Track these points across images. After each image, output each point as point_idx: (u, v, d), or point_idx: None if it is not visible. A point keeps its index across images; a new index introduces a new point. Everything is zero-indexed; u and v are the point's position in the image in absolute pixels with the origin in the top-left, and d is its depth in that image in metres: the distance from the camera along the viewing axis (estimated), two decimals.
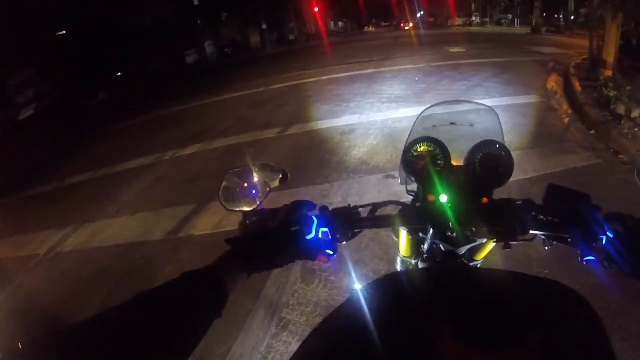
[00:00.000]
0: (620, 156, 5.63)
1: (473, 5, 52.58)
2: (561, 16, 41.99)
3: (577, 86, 9.04)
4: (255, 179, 1.14)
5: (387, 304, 0.80)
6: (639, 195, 4.56)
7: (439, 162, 1.16)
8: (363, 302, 0.78)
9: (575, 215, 0.98)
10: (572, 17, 38.38)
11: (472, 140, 1.19)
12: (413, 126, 1.36)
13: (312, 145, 6.76)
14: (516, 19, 47.11)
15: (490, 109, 1.39)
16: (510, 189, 4.35)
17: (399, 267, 1.44)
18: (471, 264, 1.22)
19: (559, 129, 6.79)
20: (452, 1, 49.43)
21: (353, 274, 3.38)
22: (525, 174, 4.83)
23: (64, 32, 38.36)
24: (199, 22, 48.37)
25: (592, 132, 6.58)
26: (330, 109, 8.84)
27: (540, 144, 5.94)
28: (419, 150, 1.18)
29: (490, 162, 1.14)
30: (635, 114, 6.59)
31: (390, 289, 0.89)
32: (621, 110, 6.78)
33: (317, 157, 6.16)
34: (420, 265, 1.28)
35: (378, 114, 8.02)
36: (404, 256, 1.37)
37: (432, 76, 11.32)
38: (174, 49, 43.28)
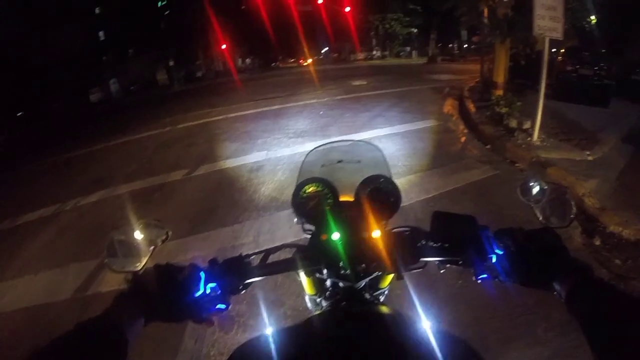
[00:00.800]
0: (516, 165, 6.08)
1: (374, 40, 55.12)
2: (455, 45, 45.11)
3: (472, 107, 9.68)
4: (139, 238, 1.07)
5: (284, 353, 0.78)
6: None
7: (329, 200, 1.19)
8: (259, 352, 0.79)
9: (463, 237, 1.01)
10: (465, 45, 41.38)
11: (359, 175, 1.23)
12: (301, 167, 1.36)
13: (221, 185, 6.53)
14: (414, 51, 50.08)
15: (374, 146, 1.44)
16: (415, 209, 4.40)
17: (308, 305, 1.37)
18: (376, 293, 1.19)
19: (457, 148, 7.12)
20: (355, 36, 51.42)
21: (267, 315, 3.26)
22: (428, 194, 4.96)
23: None
24: (104, 58, 46.67)
25: (488, 146, 7.02)
26: (239, 146, 8.66)
27: (441, 164, 6.16)
28: (308, 191, 1.21)
29: (378, 195, 1.18)
30: (526, 125, 7.16)
31: (287, 337, 0.86)
32: (513, 124, 7.31)
33: (226, 197, 5.94)
34: (324, 303, 1.24)
35: (285, 149, 7.96)
36: (310, 294, 1.31)
37: (335, 109, 11.53)
38: (78, 86, 41.09)
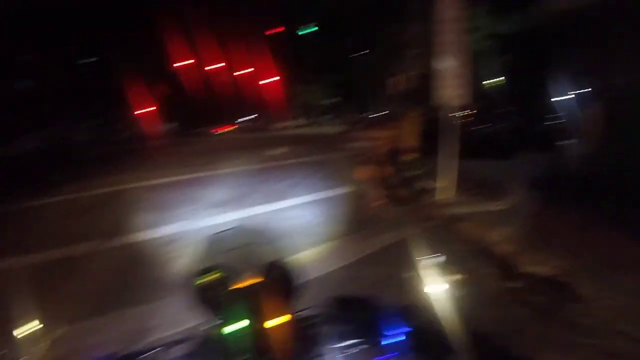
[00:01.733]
0: (432, 223, 6.31)
1: (295, 109, 56.60)
2: (372, 113, 47.36)
3: (387, 172, 10.06)
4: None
5: None
6: (456, 255, 4.96)
7: (229, 288, 1.16)
8: None
9: (367, 319, 1.04)
10: (382, 113, 43.57)
11: (262, 260, 1.22)
12: (200, 253, 1.35)
13: (132, 260, 6.10)
14: (333, 120, 51.90)
15: (270, 231, 1.47)
16: (333, 278, 4.34)
17: None
18: None
19: (373, 213, 7.24)
20: (276, 105, 52.58)
21: None
22: (345, 261, 4.93)
23: None
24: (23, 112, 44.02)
25: (403, 209, 7.23)
26: (154, 217, 8.27)
27: (357, 229, 6.19)
28: (208, 279, 1.17)
29: (281, 279, 1.17)
30: (438, 184, 7.50)
31: None
32: (426, 185, 7.70)
33: (138, 273, 5.54)
34: None
35: (201, 220, 7.71)
36: None
37: (255, 178, 11.49)
38: None
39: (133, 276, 5.41)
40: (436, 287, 1.26)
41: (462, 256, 5.03)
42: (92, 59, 41.58)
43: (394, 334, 0.99)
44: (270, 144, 22.95)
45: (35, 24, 38.83)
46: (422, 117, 11.12)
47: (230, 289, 1.15)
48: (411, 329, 0.99)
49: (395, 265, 4.78)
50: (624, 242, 5.16)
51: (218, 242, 1.40)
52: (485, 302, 3.78)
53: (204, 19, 39.73)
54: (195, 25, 39.79)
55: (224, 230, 1.42)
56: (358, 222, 6.60)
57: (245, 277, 1.19)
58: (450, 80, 6.94)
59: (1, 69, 39.82)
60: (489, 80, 15.50)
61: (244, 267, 1.23)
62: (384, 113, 42.34)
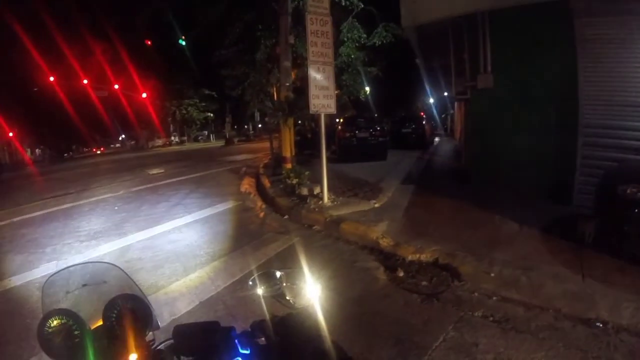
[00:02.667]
0: (314, 227, 6.58)
1: (172, 126, 54.99)
2: (249, 126, 47.63)
3: (267, 183, 10.26)
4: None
5: None
6: (339, 253, 5.26)
7: (76, 332, 1.10)
8: None
9: (208, 345, 1.06)
10: (259, 125, 43.94)
11: (107, 298, 1.20)
12: (42, 299, 1.26)
13: (7, 309, 5.49)
14: (211, 135, 51.33)
15: (112, 265, 1.36)
16: (223, 297, 4.30)
17: None
18: None
19: (257, 224, 7.33)
20: (153, 123, 50.62)
21: None
22: (233, 277, 4.87)
23: None
24: None
25: (286, 217, 7.42)
26: (25, 258, 7.45)
27: (243, 244, 6.19)
28: (52, 325, 1.10)
29: (128, 315, 1.14)
30: (317, 190, 7.88)
31: None
32: (305, 192, 7.99)
33: (15, 324, 4.98)
34: None
35: (77, 255, 7.10)
36: None
37: (132, 202, 10.92)
38: None
39: (11, 329, 4.86)
40: (304, 295, 1.28)
41: (343, 255, 5.31)
42: None
43: (236, 355, 1.03)
44: (148, 163, 22.07)
45: None
46: (297, 127, 11.49)
47: (76, 333, 1.10)
48: (260, 343, 1.05)
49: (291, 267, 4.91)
50: (493, 221, 5.85)
51: (59, 284, 1.31)
52: (368, 295, 4.06)
53: (64, 34, 37.08)
54: (54, 41, 36.98)
55: (63, 269, 1.35)
56: (244, 235, 6.62)
57: (92, 319, 1.17)
58: (321, 90, 7.28)
59: None
60: (358, 89, 16.48)
61: (88, 307, 1.21)
62: (261, 125, 42.83)
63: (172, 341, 1.11)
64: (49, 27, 35.72)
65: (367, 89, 18.90)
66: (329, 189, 7.56)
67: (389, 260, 4.91)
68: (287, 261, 5.24)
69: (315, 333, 1.11)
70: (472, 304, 3.73)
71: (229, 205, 9.01)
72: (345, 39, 12.98)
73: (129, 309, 1.15)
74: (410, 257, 4.81)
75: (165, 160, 23.88)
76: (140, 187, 13.40)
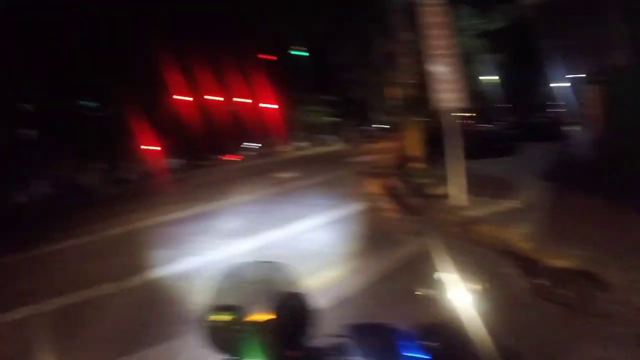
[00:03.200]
0: (448, 229, 6.30)
1: (297, 132, 56.89)
2: (374, 126, 47.57)
3: (396, 183, 10.10)
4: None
5: None
6: (476, 258, 4.95)
7: (242, 326, 1.14)
8: None
9: (388, 348, 1.03)
10: (384, 125, 43.73)
11: (273, 295, 1.22)
12: (211, 294, 1.32)
13: (153, 297, 6.12)
14: (336, 138, 52.12)
15: (284, 264, 1.40)
16: (356, 299, 4.31)
17: None
18: None
19: (389, 226, 7.24)
20: (281, 130, 52.99)
21: None
22: (368, 279, 4.89)
23: None
24: (29, 157, 44.83)
25: (418, 218, 7.20)
26: (170, 253, 8.28)
27: (376, 246, 6.16)
28: (220, 318, 1.17)
29: (294, 313, 1.17)
30: (448, 190, 7.53)
31: None
32: (436, 192, 7.76)
33: (158, 310, 5.54)
34: None
35: (218, 252, 7.69)
36: None
37: (266, 204, 11.53)
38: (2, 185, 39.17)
39: (152, 315, 5.43)
40: (459, 300, 1.24)
41: (483, 260, 5.02)
42: (92, 102, 42.68)
43: (416, 357, 0.99)
44: (277, 168, 22.99)
45: (32, 69, 40.24)
46: (423, 124, 11.16)
47: (242, 327, 1.14)
48: (436, 349, 1.00)
49: (416, 280, 4.79)
50: None
51: (231, 276, 1.38)
52: (513, 304, 3.76)
53: (200, 52, 40.53)
54: (191, 59, 40.54)
55: (238, 265, 1.42)
56: (376, 237, 6.58)
57: (257, 313, 1.18)
58: (446, 84, 6.97)
59: (4, 117, 41.21)
60: (484, 79, 15.59)
61: (256, 303, 1.22)
62: (385, 125, 42.65)
63: (344, 339, 1.12)
64: (184, 49, 39.36)
65: (491, 78, 17.89)
66: (461, 189, 7.21)
67: (530, 265, 4.53)
68: (420, 267, 4.95)
69: (480, 342, 1.10)
70: (621, 319, 3.30)
71: (359, 206, 9.02)
72: (463, 28, 12.37)
73: (297, 306, 1.19)
74: (551, 263, 4.39)
75: (294, 164, 24.82)
76: (274, 190, 14.11)
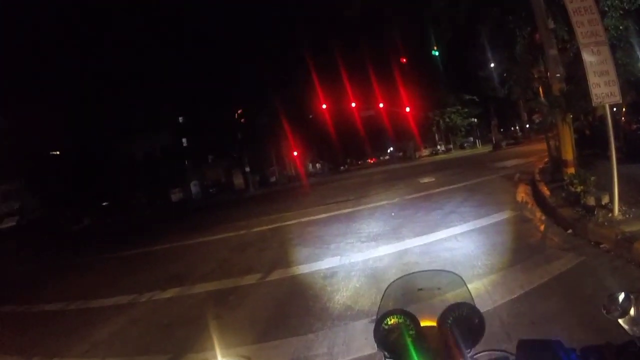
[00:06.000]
0: (602, 246, 5.60)
1: (436, 135, 56.00)
2: (517, 127, 44.94)
3: (545, 191, 9.32)
4: None
5: None
6: (633, 279, 4.46)
7: (410, 332, 1.16)
8: None
9: None
10: (527, 126, 41.04)
11: (441, 303, 1.26)
12: (382, 298, 1.40)
13: (293, 291, 6.42)
14: (477, 140, 50.20)
15: (454, 274, 1.46)
16: (501, 313, 4.08)
17: None
18: None
19: (537, 238, 6.77)
20: (417, 133, 52.81)
21: None
22: (512, 294, 4.59)
23: (58, 152, 40.50)
24: (186, 162, 51.40)
25: (570, 231, 6.55)
26: (311, 251, 8.65)
27: (522, 258, 5.79)
28: (389, 323, 1.20)
29: (461, 324, 1.17)
30: (605, 200, 6.73)
31: None
32: (591, 201, 6.88)
33: (299, 304, 5.80)
34: None
35: (358, 254, 7.83)
36: None
37: (407, 209, 11.45)
38: (161, 185, 45.42)
39: (295, 307, 5.70)
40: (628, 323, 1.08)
41: (637, 282, 4.42)
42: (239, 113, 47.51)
43: None
44: (418, 173, 22.98)
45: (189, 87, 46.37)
46: (574, 123, 10.07)
47: (410, 332, 1.16)
48: None
49: (567, 298, 4.44)
50: None
51: (398, 286, 1.44)
52: None
53: (338, 61, 42.39)
54: (330, 68, 42.51)
55: (404, 276, 1.49)
56: (523, 249, 6.22)
57: (427, 320, 1.23)
58: (598, 76, 6.19)
59: (166, 128, 48.18)
60: (636, 67, 13.51)
61: (426, 310, 1.27)
62: (530, 125, 39.97)
63: (509, 354, 1.13)
64: (319, 64, 41.28)
65: None
66: (620, 198, 6.28)
67: None
68: (571, 283, 4.66)
69: None
70: None
71: (505, 215, 8.61)
72: (607, 8, 10.83)
73: (464, 317, 1.19)
74: None
75: (433, 169, 24.59)
76: (414, 195, 14.09)
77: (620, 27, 11.22)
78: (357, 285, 6.09)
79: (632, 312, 1.07)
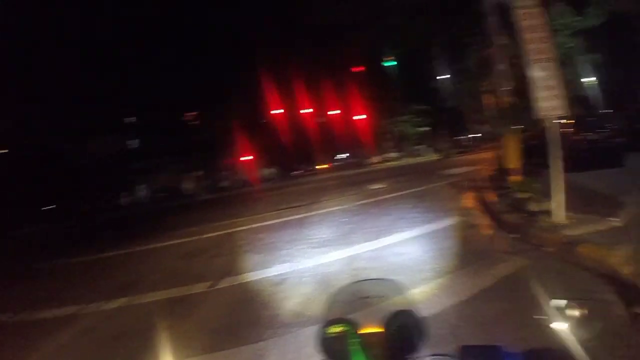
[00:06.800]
0: (546, 249, 5.88)
1: (388, 143, 56.78)
2: (466, 137, 46.32)
3: (492, 197, 9.67)
4: None
5: None
6: (575, 281, 4.65)
7: (354, 339, 1.19)
8: None
9: None
10: (476, 135, 42.44)
11: (385, 311, 1.27)
12: (326, 306, 1.43)
13: (244, 299, 6.34)
14: (428, 148, 51.29)
15: (397, 282, 1.50)
16: (449, 316, 4.17)
17: None
18: None
19: (483, 243, 6.97)
20: (371, 141, 53.40)
21: None
22: (459, 297, 4.72)
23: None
24: (135, 165, 49.79)
25: (515, 235, 6.80)
26: (262, 258, 8.58)
27: (469, 262, 5.95)
28: (333, 331, 1.23)
29: (405, 330, 1.21)
30: (548, 206, 6.98)
31: None
32: (535, 207, 7.24)
33: (249, 312, 5.73)
34: None
35: (309, 260, 7.82)
36: None
37: (357, 215, 11.58)
38: (109, 189, 43.70)
39: (245, 315, 5.62)
40: (559, 325, 1.23)
41: (582, 284, 4.64)
42: (191, 116, 46.53)
43: None
44: (368, 179, 23.21)
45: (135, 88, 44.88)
46: (521, 134, 10.55)
47: (354, 340, 1.18)
48: None
49: (512, 300, 4.55)
50: None
51: (342, 295, 1.47)
52: (614, 333, 3.41)
53: (293, 66, 42.35)
54: (285, 73, 42.39)
55: (349, 284, 1.50)
56: (468, 254, 6.37)
57: (369, 327, 1.24)
58: (545, 90, 6.53)
59: (113, 130, 46.34)
60: (581, 82, 14.40)
61: (368, 317, 1.27)
62: (479, 135, 41.38)
63: (449, 358, 1.14)
64: (274, 69, 41.16)
65: (591, 79, 16.55)
66: (562, 204, 6.63)
67: (631, 292, 4.04)
68: (516, 286, 4.82)
69: None
70: None
71: (452, 221, 8.81)
72: (557, 27, 11.51)
73: (408, 323, 1.22)
74: None
75: (384, 175, 24.93)
76: (364, 201, 14.22)
77: (569, 45, 11.92)
78: (308, 292, 6.08)
79: (566, 318, 1.19)
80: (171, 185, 52.35)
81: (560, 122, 13.89)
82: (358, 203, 14.04)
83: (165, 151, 51.58)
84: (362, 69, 42.51)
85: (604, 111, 16.15)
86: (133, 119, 53.52)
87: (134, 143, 53.47)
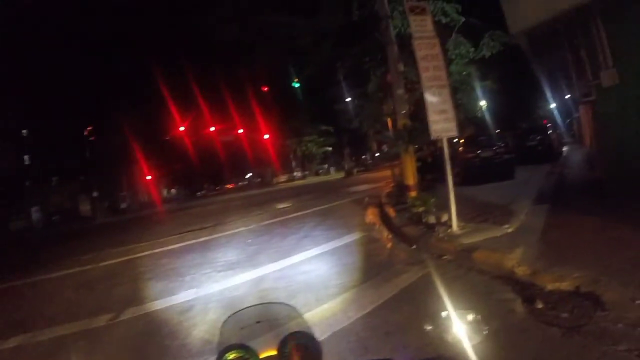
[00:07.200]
0: (444, 257, 6.29)
1: (293, 162, 57.35)
2: (368, 156, 48.13)
3: (391, 212, 10.14)
4: None
5: None
6: (473, 285, 5.00)
7: None
8: None
9: None
10: (377, 154, 44.28)
11: (280, 334, 1.29)
12: (220, 334, 1.41)
13: (149, 330, 6.02)
14: (331, 167, 52.63)
15: (288, 305, 1.52)
16: (356, 328, 4.26)
17: None
18: None
19: (385, 255, 7.25)
20: (276, 160, 53.55)
21: None
22: (365, 309, 4.84)
23: None
24: (27, 184, 44.57)
25: (414, 247, 7.21)
26: (166, 285, 8.21)
27: (372, 275, 6.15)
28: (229, 358, 1.23)
29: (300, 350, 1.23)
30: (444, 218, 7.53)
31: None
32: (432, 219, 7.70)
33: (155, 343, 5.44)
34: None
35: (215, 284, 7.61)
36: None
37: (263, 235, 11.51)
38: None
39: (153, 347, 5.34)
40: (458, 330, 1.32)
41: (479, 287, 4.99)
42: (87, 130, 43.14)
43: None
44: (275, 198, 23.17)
45: (30, 97, 40.55)
46: (418, 152, 11.30)
47: None
48: None
49: (414, 308, 4.76)
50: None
51: (235, 320, 1.44)
52: (510, 330, 3.74)
53: (198, 84, 41.30)
54: (190, 92, 41.21)
55: (242, 309, 1.50)
56: (372, 267, 6.58)
57: (264, 351, 1.26)
58: (439, 113, 7.10)
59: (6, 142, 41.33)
60: (475, 105, 15.87)
61: (263, 342, 1.30)
62: (380, 154, 43.18)
63: None
64: (177, 85, 39.95)
65: (484, 103, 18.18)
66: (458, 215, 7.20)
67: (527, 290, 4.48)
68: (419, 294, 5.07)
69: None
70: (615, 336, 3.27)
71: (355, 236, 9.04)
72: (453, 57, 12.64)
73: (302, 345, 1.23)
74: (549, 287, 4.36)
75: (290, 194, 25.05)
76: (270, 221, 14.14)
77: (464, 73, 13.05)
78: (215, 318, 5.84)
79: (452, 328, 1.29)
80: (65, 207, 48.43)
81: (454, 142, 15.30)
82: (264, 223, 13.97)
83: (61, 168, 47.41)
84: (267, 88, 42.59)
85: (495, 131, 17.90)
86: (27, 132, 48.08)
87: (25, 159, 48.14)
